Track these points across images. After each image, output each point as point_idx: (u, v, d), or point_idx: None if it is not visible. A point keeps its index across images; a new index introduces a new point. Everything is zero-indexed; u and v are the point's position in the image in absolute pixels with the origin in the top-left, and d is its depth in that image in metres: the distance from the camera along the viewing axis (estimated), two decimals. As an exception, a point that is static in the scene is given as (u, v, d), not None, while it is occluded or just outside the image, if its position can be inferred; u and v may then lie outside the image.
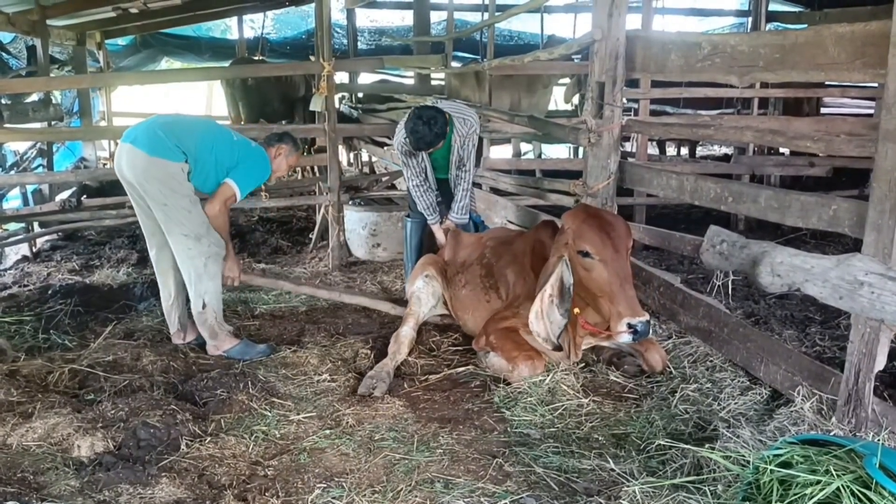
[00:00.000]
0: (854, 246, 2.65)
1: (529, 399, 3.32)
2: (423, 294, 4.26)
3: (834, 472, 1.97)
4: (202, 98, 17.16)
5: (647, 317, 3.15)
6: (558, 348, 3.41)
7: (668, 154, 11.51)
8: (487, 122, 6.50)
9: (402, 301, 4.81)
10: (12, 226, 6.52)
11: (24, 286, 5.45)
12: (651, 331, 3.20)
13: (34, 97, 7.74)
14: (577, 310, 3.46)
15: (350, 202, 6.36)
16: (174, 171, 3.83)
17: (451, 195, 4.88)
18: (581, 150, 5.20)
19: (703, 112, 9.07)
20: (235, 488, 2.66)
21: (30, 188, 7.00)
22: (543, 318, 3.36)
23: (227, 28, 14.02)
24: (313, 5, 6.44)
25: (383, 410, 3.28)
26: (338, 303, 4.86)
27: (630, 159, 6.48)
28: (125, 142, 3.88)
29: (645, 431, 3.01)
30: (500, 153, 9.59)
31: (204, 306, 3.96)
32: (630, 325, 3.12)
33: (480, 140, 6.68)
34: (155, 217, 3.92)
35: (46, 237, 6.78)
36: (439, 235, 4.86)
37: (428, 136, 4.46)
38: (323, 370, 3.75)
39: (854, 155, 2.92)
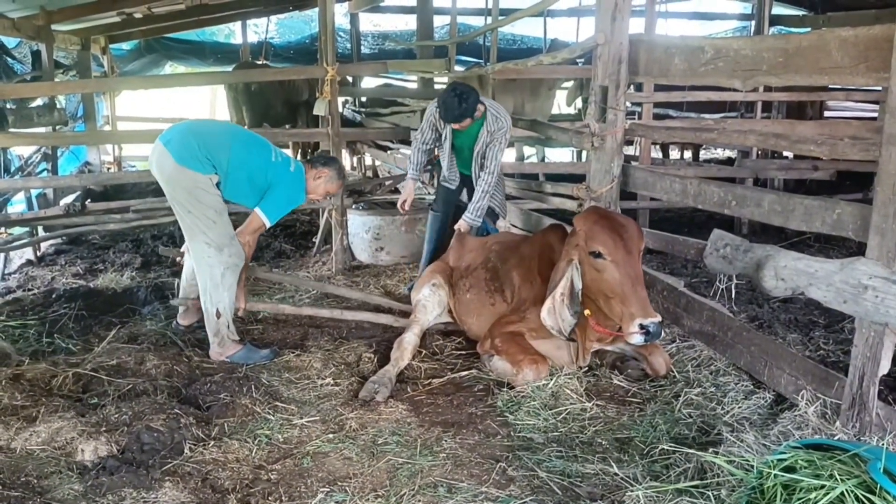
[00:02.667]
0: (858, 250, 2.65)
1: (533, 403, 3.31)
2: (430, 303, 4.26)
3: (838, 477, 1.97)
4: (206, 102, 17.22)
5: (659, 318, 3.15)
6: (571, 340, 3.46)
7: (671, 158, 11.50)
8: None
9: (405, 306, 4.81)
10: (17, 230, 6.53)
11: (29, 290, 5.46)
12: (662, 332, 3.21)
13: (39, 102, 7.77)
14: (587, 311, 3.47)
15: (353, 206, 6.37)
16: (201, 182, 3.80)
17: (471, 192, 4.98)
18: (584, 153, 5.21)
19: (706, 116, 9.07)
20: (239, 492, 2.66)
21: (34, 192, 7.02)
22: (556, 314, 3.38)
23: (231, 32, 14.08)
24: (317, 10, 6.45)
25: (386, 414, 3.28)
26: (343, 299, 4.89)
27: (633, 163, 6.47)
28: (160, 141, 3.88)
29: (648, 436, 3.01)
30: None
31: (218, 315, 3.96)
32: (642, 326, 3.12)
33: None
34: None
35: (51, 241, 6.80)
36: (407, 189, 5.15)
37: (455, 109, 4.58)
38: (326, 374, 3.75)
39: (858, 159, 2.91)
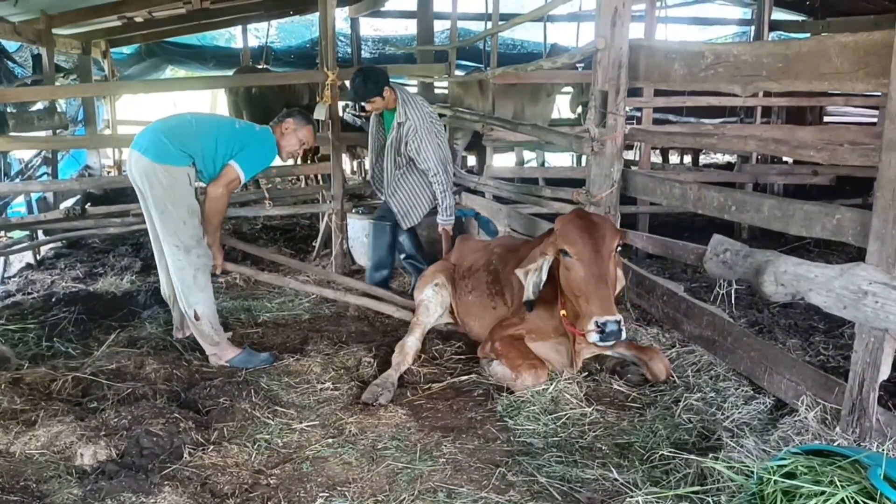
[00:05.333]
0: (858, 255, 2.65)
1: (533, 408, 3.31)
2: (432, 304, 4.26)
3: (838, 483, 1.97)
4: (206, 106, 17.23)
5: (617, 317, 3.13)
6: (530, 307, 3.55)
7: (671, 162, 11.50)
8: (490, 131, 6.51)
9: (408, 297, 4.83)
10: (17, 234, 6.53)
11: (28, 294, 5.46)
12: (624, 332, 3.15)
13: (39, 106, 7.77)
14: (563, 312, 3.49)
15: (353, 210, 6.37)
16: (180, 177, 3.88)
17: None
18: (584, 158, 5.21)
19: (706, 121, 9.08)
20: (238, 497, 2.66)
21: (34, 196, 7.02)
22: (525, 279, 3.52)
23: (232, 37, 14.08)
24: (317, 14, 6.46)
25: (386, 419, 3.28)
26: (342, 305, 4.92)
27: (633, 168, 6.48)
28: (133, 148, 3.96)
29: (648, 441, 3.00)
30: (503, 161, 9.61)
31: (197, 317, 3.97)
32: (598, 324, 3.10)
33: (483, 148, 6.70)
34: None
35: (51, 245, 6.80)
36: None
37: (360, 88, 4.86)
38: (326, 378, 3.75)
39: (858, 164, 2.91)
